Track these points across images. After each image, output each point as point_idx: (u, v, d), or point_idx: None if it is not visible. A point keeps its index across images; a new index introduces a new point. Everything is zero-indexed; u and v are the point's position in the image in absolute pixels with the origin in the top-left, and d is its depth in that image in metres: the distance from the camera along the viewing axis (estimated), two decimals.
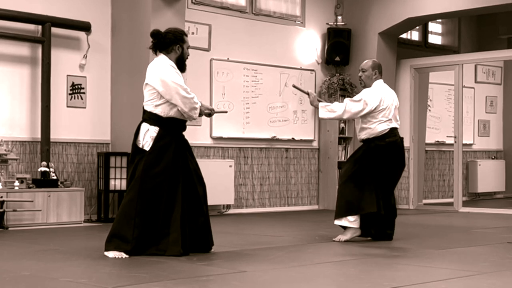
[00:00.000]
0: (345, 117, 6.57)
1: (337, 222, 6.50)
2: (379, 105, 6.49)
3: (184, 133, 5.78)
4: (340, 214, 6.47)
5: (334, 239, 6.57)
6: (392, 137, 6.54)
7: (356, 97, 6.58)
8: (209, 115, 5.94)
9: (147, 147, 5.59)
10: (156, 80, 5.57)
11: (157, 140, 5.57)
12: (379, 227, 6.58)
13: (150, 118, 5.63)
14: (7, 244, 6.44)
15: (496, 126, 13.58)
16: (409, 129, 11.31)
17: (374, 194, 6.44)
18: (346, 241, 6.48)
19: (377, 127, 6.51)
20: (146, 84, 5.65)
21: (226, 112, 7.27)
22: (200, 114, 5.79)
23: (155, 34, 5.67)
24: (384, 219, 6.57)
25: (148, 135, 5.61)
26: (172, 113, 5.61)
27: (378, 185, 6.48)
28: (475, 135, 13.22)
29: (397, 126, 6.62)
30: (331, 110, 6.57)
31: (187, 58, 5.78)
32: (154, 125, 5.60)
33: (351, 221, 6.45)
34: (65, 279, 4.52)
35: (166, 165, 5.54)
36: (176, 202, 5.52)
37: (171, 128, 5.63)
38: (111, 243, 5.50)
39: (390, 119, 6.54)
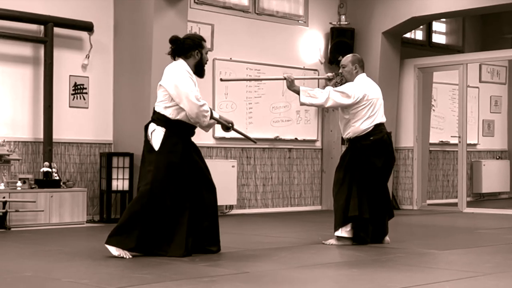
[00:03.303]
0: (327, 105, 6.37)
1: (336, 233, 6.40)
2: (362, 98, 6.32)
3: None
4: (338, 225, 6.38)
5: (324, 242, 6.46)
6: (377, 134, 6.38)
7: (339, 88, 6.40)
8: (227, 128, 5.87)
9: (155, 148, 5.59)
10: (169, 83, 5.57)
11: (164, 141, 5.55)
12: (372, 230, 6.43)
13: (158, 118, 5.62)
14: (9, 244, 6.43)
15: (501, 126, 13.53)
16: (413, 129, 11.28)
17: (357, 198, 6.31)
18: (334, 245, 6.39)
19: (361, 125, 6.35)
20: (160, 85, 5.65)
21: (255, 142, 6.37)
22: (218, 123, 5.76)
23: (174, 40, 5.65)
24: (373, 222, 6.41)
25: (154, 135, 5.60)
26: (180, 116, 5.59)
27: (366, 188, 6.35)
28: (480, 135, 13.17)
29: (383, 121, 6.46)
30: (313, 95, 6.36)
31: (206, 63, 5.76)
32: (161, 126, 5.59)
33: (347, 231, 6.36)
34: (67, 280, 4.51)
35: (174, 166, 5.52)
36: (182, 205, 5.52)
37: (178, 130, 5.61)
38: (114, 238, 5.46)
39: (374, 115, 6.38)
